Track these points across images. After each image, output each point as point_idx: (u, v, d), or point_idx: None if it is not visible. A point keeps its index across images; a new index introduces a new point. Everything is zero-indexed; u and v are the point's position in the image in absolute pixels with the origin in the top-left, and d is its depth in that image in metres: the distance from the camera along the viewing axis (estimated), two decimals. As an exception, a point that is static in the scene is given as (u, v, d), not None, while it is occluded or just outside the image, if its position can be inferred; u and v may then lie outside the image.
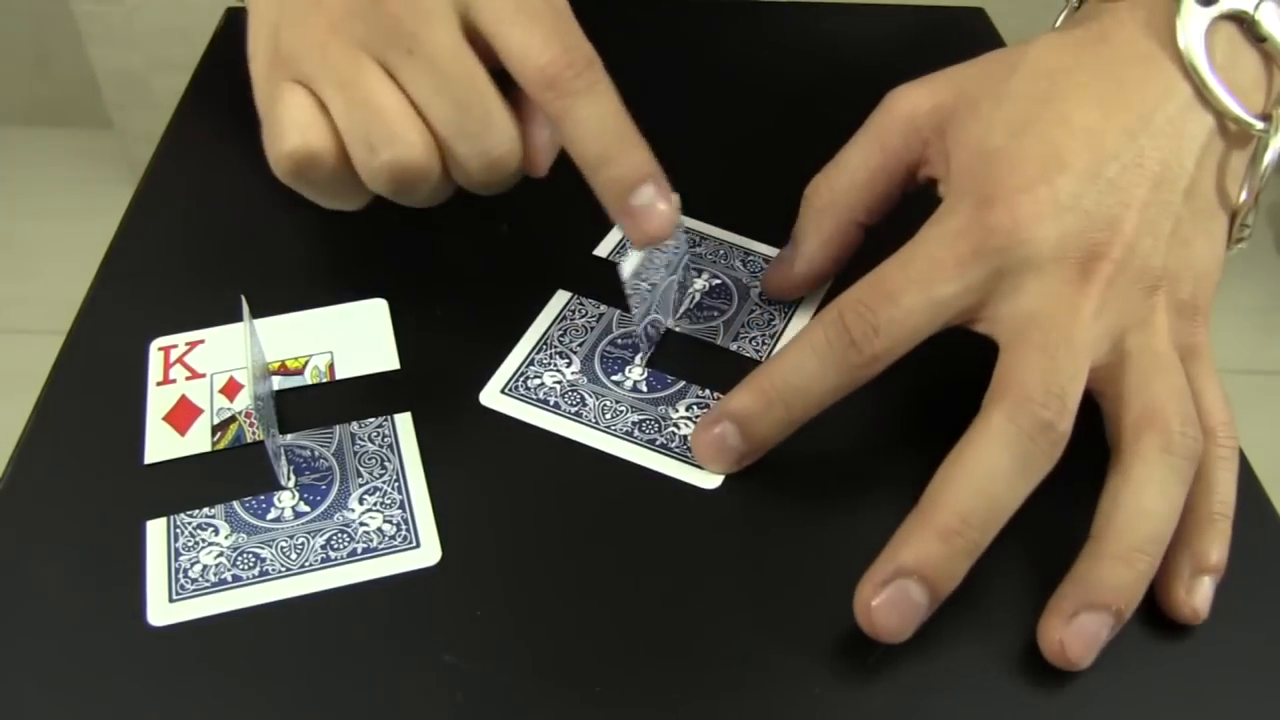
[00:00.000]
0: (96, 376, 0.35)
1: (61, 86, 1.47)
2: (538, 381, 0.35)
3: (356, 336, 0.36)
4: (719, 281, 0.39)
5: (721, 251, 0.40)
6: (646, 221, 0.32)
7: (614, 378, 0.35)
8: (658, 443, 0.34)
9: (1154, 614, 0.30)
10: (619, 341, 0.37)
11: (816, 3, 0.54)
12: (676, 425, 0.34)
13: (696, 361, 0.36)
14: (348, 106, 0.32)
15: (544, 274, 0.39)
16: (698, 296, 0.38)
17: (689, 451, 0.33)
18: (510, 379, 0.35)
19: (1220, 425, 0.32)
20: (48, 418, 0.34)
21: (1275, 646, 0.30)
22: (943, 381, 0.36)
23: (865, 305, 0.31)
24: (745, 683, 0.28)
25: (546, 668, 0.29)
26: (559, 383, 0.35)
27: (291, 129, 0.32)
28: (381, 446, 0.33)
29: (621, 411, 0.34)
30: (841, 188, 0.36)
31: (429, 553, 0.31)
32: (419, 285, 0.38)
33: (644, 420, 0.34)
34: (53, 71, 1.46)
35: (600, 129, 0.32)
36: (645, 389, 0.35)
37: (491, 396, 0.35)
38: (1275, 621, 0.30)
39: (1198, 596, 0.30)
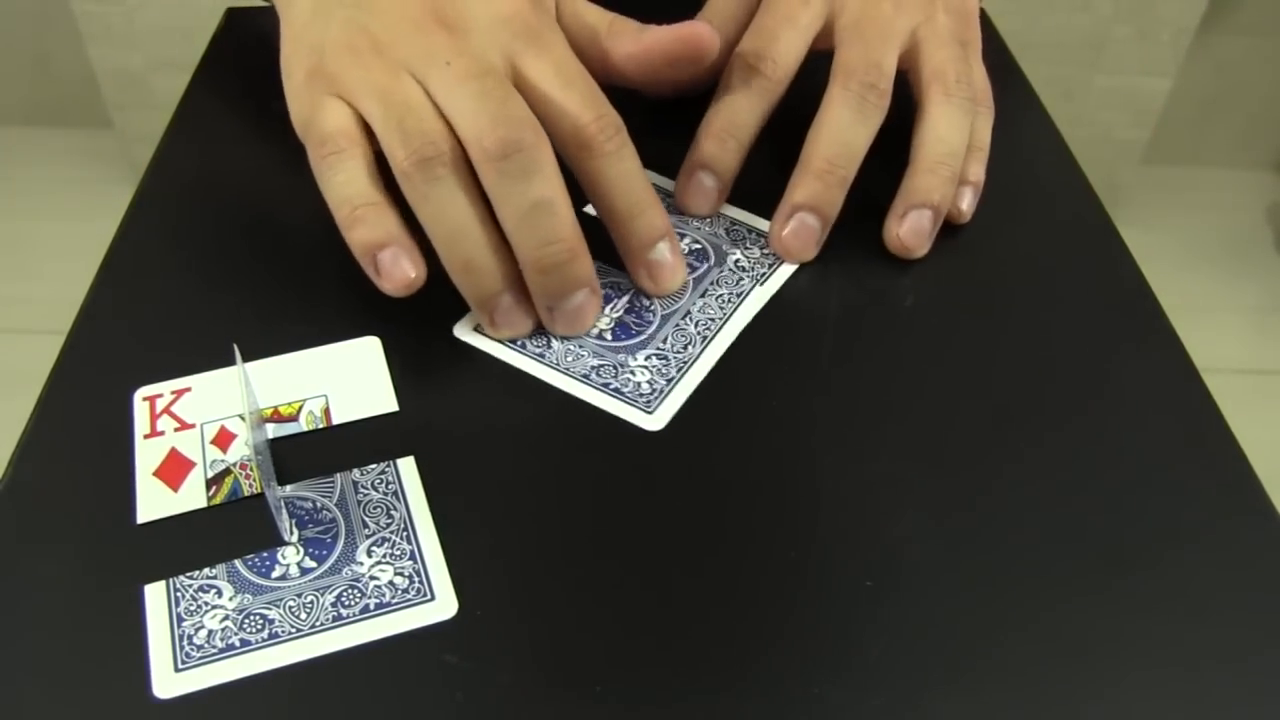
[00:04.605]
0: (78, 431, 0.34)
1: (61, 86, 1.47)
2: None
3: (351, 377, 0.35)
4: (699, 246, 0.40)
5: (723, 228, 0.41)
6: (660, 275, 0.38)
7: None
8: (611, 386, 0.35)
9: (1154, 615, 0.30)
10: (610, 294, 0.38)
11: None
12: (633, 372, 0.36)
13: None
14: (384, 109, 0.34)
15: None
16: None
17: (640, 397, 0.35)
18: (485, 330, 0.37)
19: (982, 91, 0.43)
20: (29, 472, 0.33)
21: (1275, 646, 0.30)
22: (892, 333, 0.36)
23: (757, 49, 0.40)
24: (745, 683, 0.28)
25: (546, 667, 0.29)
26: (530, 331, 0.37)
27: (330, 123, 0.35)
28: (386, 494, 0.32)
29: (582, 356, 0.36)
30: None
31: (445, 605, 0.30)
32: (411, 320, 0.37)
33: (602, 365, 0.36)
34: (53, 71, 1.46)
35: (626, 190, 0.36)
36: (610, 338, 0.37)
37: (465, 331, 0.36)
38: (1275, 621, 0.30)
39: (963, 201, 0.41)
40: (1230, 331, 1.38)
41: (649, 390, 0.35)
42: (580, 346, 0.36)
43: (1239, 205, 1.55)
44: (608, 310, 0.38)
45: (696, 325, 0.37)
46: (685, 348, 0.36)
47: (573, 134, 0.35)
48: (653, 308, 0.38)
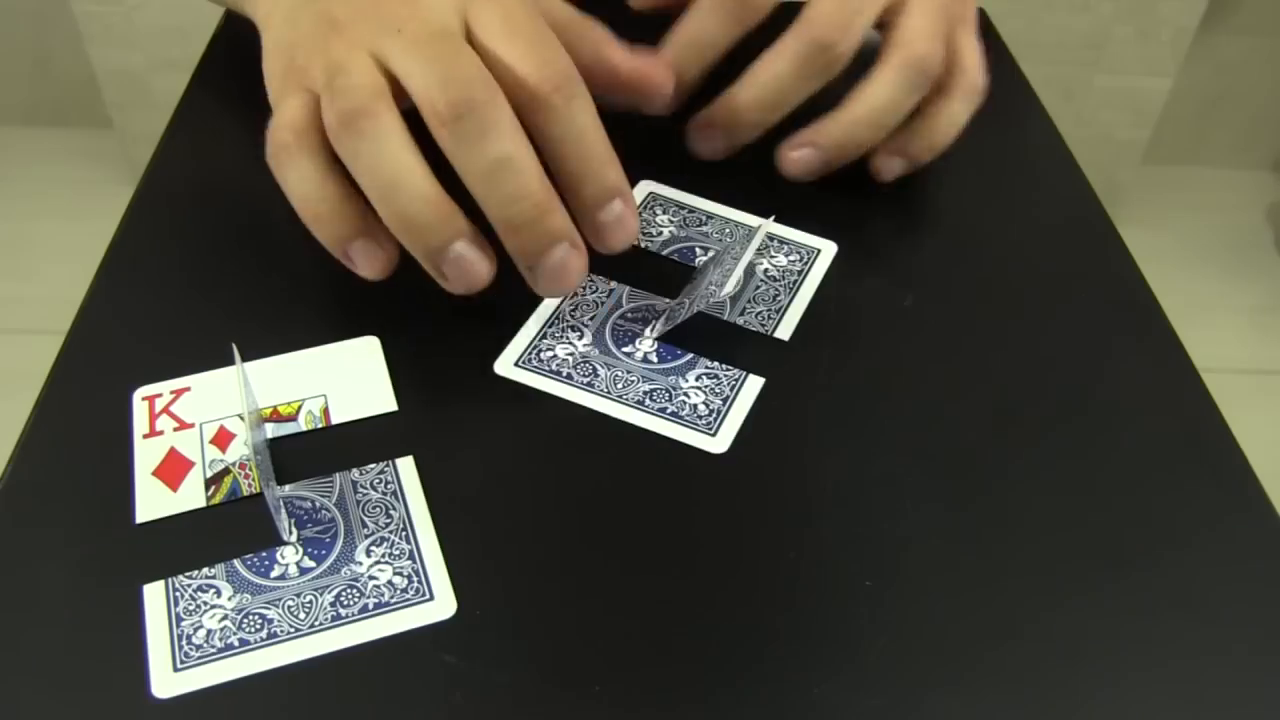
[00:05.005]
0: (78, 431, 0.34)
1: (61, 86, 1.47)
2: (550, 354, 0.36)
3: (350, 377, 0.35)
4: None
5: (727, 230, 0.41)
6: (611, 235, 0.35)
7: (624, 349, 0.36)
8: (668, 411, 0.34)
9: (1154, 615, 0.30)
10: (628, 315, 0.38)
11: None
12: (686, 394, 0.35)
13: (703, 334, 0.37)
14: (325, 78, 0.33)
15: (539, 300, 0.39)
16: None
17: (699, 420, 0.34)
18: (524, 351, 0.36)
19: (971, 69, 0.41)
20: (29, 472, 0.33)
21: (1275, 646, 0.30)
22: (949, 365, 0.36)
23: (839, 19, 0.39)
24: (745, 683, 0.28)
25: (546, 668, 0.29)
26: (571, 354, 0.36)
27: (280, 117, 0.34)
28: (385, 494, 0.32)
29: (633, 381, 0.35)
30: None
31: (444, 605, 0.30)
32: (411, 320, 0.36)
33: (655, 390, 0.35)
34: (53, 71, 1.46)
35: (576, 148, 0.34)
36: (655, 360, 0.36)
37: (506, 367, 0.35)
38: (1275, 621, 0.30)
39: (886, 165, 0.42)
40: (1230, 331, 1.38)
41: (706, 412, 0.35)
42: (629, 372, 0.36)
43: (1239, 205, 1.55)
44: (647, 331, 0.37)
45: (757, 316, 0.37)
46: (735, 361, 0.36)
47: (517, 87, 0.33)
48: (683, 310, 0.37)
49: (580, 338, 0.37)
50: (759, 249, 0.40)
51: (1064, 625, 0.30)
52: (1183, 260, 1.45)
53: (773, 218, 0.39)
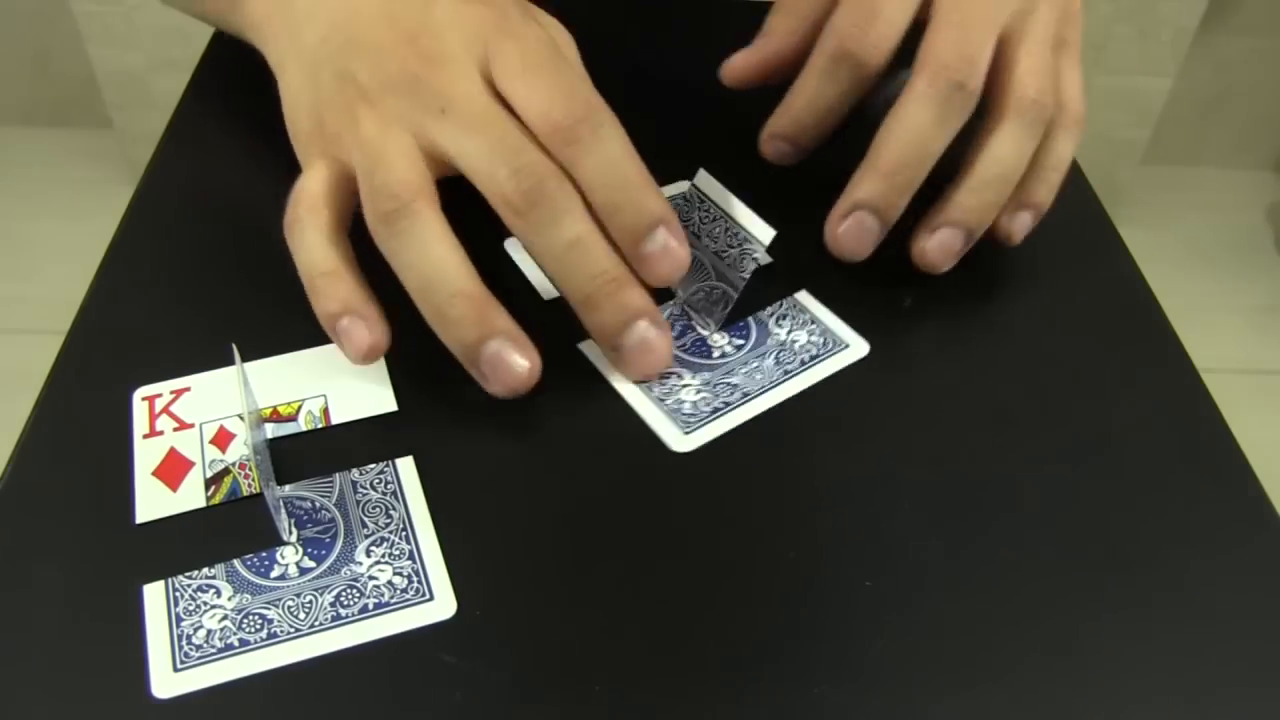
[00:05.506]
0: (78, 431, 0.34)
1: (61, 86, 1.47)
2: (690, 402, 0.35)
3: (350, 378, 0.35)
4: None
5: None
6: (657, 266, 0.34)
7: (716, 357, 0.37)
8: (807, 358, 0.36)
9: (1154, 615, 0.30)
10: (679, 324, 0.38)
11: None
12: (794, 340, 0.37)
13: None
14: (362, 162, 0.34)
15: (536, 297, 0.39)
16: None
17: (830, 346, 0.37)
18: (678, 420, 0.34)
19: (1071, 102, 0.39)
20: (29, 472, 0.33)
21: (1275, 647, 0.30)
22: (948, 372, 0.36)
23: (858, 28, 0.37)
24: (745, 683, 0.28)
25: (545, 667, 0.29)
26: (700, 393, 0.35)
27: (298, 187, 0.35)
28: (385, 494, 0.32)
29: (755, 363, 0.36)
30: None
31: (444, 605, 0.30)
32: (411, 320, 0.36)
33: (779, 354, 0.36)
34: (53, 71, 1.46)
35: (606, 179, 0.33)
36: (742, 341, 0.37)
37: (683, 442, 0.34)
38: (1275, 621, 0.30)
39: (1016, 223, 0.39)
40: (1230, 331, 1.38)
41: (822, 338, 0.37)
42: (744, 364, 0.36)
43: (1239, 205, 1.55)
44: (703, 331, 0.37)
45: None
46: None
47: (540, 127, 0.33)
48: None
49: (682, 377, 0.36)
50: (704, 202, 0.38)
51: (1064, 625, 0.30)
52: (1183, 260, 1.45)
53: (700, 170, 0.37)
